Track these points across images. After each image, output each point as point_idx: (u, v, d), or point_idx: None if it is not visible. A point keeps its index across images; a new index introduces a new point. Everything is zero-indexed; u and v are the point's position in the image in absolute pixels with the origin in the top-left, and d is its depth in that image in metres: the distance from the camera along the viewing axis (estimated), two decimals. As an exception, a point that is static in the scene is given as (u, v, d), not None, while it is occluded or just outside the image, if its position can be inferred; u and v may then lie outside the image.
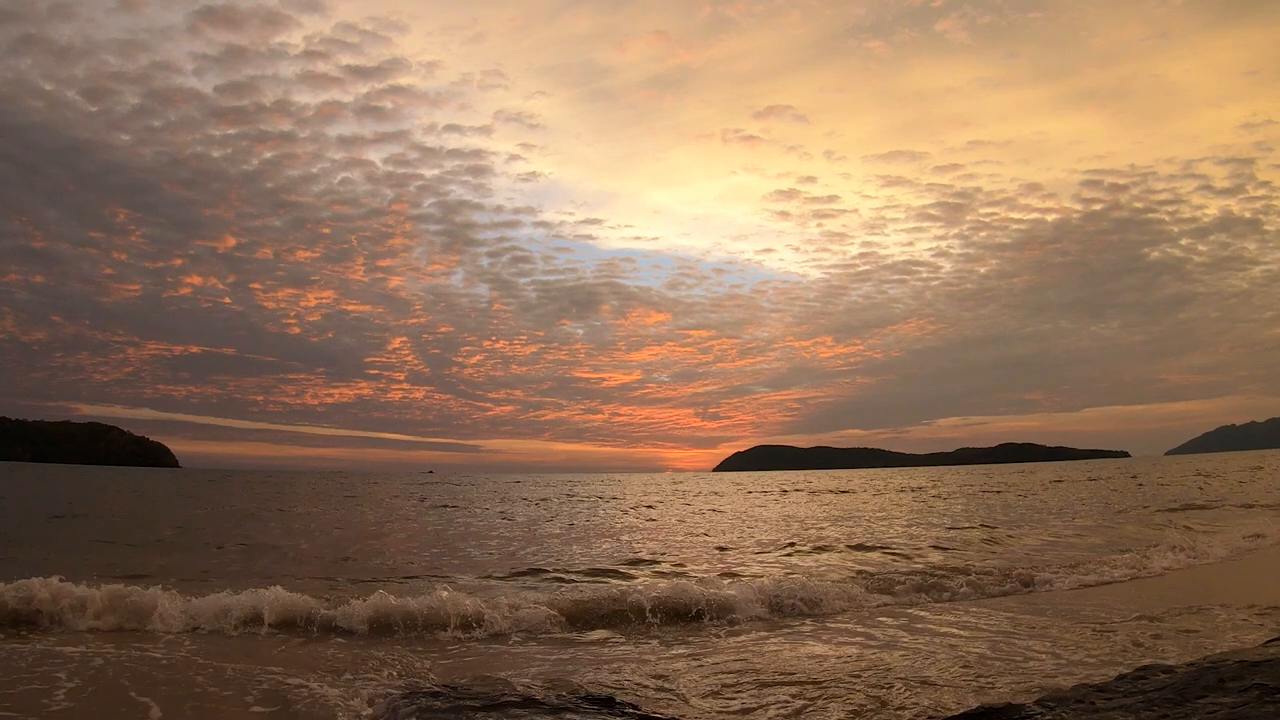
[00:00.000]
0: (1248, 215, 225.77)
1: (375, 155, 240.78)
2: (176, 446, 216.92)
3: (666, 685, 5.94)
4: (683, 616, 8.77)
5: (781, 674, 6.19)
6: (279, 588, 8.69)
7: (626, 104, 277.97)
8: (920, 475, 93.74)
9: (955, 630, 7.79)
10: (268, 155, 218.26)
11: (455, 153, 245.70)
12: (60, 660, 6.55)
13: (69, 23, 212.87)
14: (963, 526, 19.86)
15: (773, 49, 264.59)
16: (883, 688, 5.63)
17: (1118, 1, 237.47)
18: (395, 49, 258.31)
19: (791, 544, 16.49)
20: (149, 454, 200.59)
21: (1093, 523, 19.93)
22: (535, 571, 12.63)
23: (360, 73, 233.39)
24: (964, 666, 6.22)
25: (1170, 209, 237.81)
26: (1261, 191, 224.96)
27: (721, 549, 16.06)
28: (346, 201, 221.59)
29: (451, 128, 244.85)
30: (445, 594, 8.71)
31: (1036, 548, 15.05)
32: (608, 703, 5.36)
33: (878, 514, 25.79)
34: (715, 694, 5.69)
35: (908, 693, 5.49)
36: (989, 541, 16.30)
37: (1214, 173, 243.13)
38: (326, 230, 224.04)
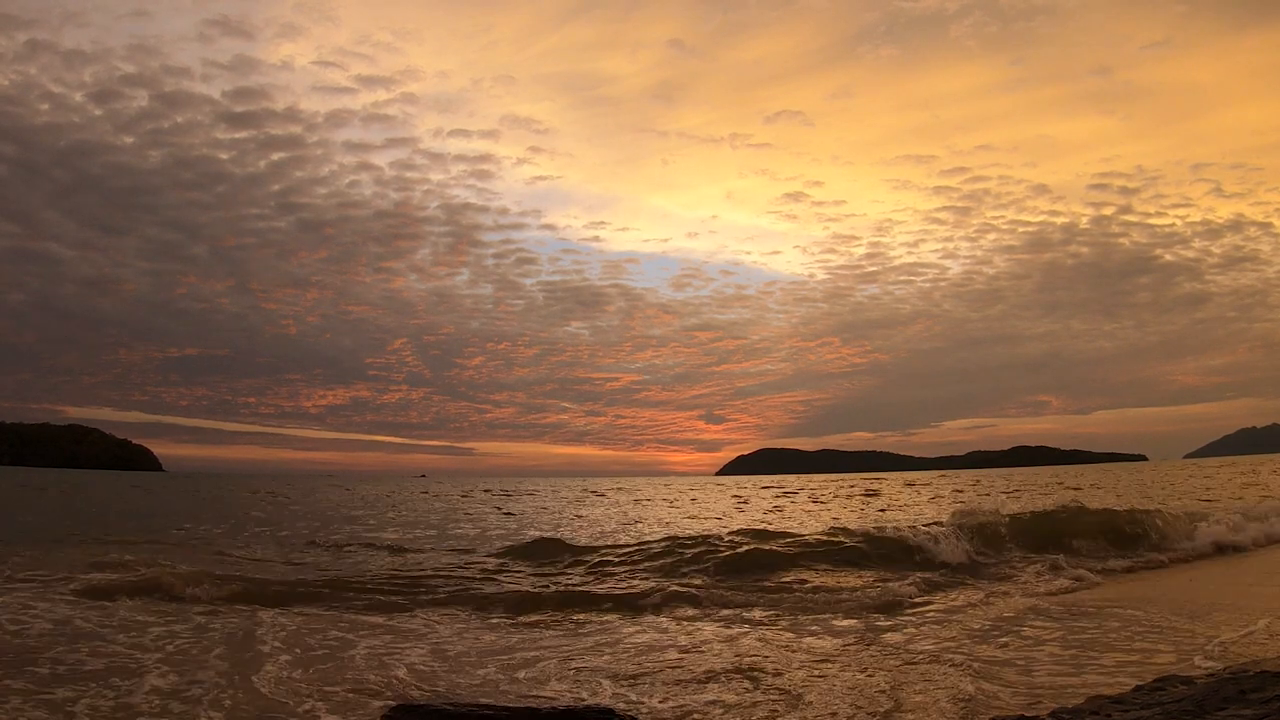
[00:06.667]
0: (1260, 218, 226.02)
1: (382, 160, 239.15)
2: (164, 450, 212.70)
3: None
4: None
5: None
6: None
7: (634, 108, 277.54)
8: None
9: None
10: (275, 158, 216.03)
11: (461, 157, 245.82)
12: None
13: (82, 30, 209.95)
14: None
15: (781, 55, 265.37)
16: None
17: (1123, 6, 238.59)
18: (408, 58, 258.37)
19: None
20: (131, 457, 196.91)
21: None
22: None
23: (371, 81, 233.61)
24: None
25: (1181, 212, 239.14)
26: (1272, 195, 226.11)
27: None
28: (353, 204, 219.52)
29: (459, 132, 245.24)
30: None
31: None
32: (606, 714, 5.18)
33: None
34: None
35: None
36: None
37: (1224, 176, 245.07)
38: (331, 231, 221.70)
